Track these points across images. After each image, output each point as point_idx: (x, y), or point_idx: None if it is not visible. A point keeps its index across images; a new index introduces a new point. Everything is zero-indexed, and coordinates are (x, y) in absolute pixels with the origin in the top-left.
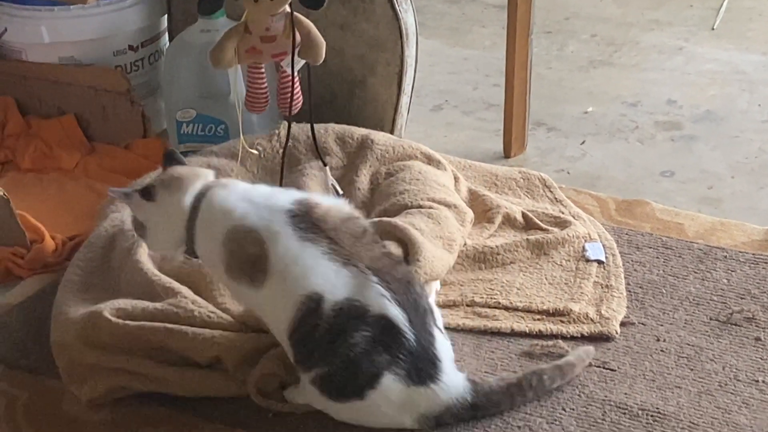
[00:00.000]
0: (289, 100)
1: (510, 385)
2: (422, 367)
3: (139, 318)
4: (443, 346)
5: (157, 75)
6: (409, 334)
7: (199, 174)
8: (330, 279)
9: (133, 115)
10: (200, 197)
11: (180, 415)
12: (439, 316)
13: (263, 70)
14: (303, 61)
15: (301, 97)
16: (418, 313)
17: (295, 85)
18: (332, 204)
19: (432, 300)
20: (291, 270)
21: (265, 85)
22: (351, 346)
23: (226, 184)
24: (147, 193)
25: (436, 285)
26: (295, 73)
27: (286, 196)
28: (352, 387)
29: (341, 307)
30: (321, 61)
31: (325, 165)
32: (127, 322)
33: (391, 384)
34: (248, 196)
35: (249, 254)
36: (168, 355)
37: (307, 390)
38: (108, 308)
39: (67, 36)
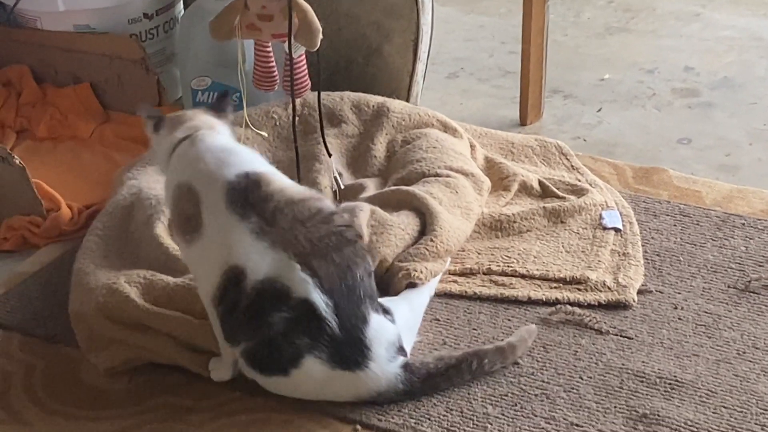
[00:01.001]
0: (287, 79)
1: (449, 367)
2: (347, 354)
3: (161, 295)
4: (379, 333)
5: (172, 43)
6: (331, 320)
7: (197, 122)
8: (253, 257)
9: (148, 83)
10: (176, 146)
11: (198, 384)
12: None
13: (270, 48)
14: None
15: (308, 81)
16: (351, 300)
17: (300, 69)
18: (290, 185)
19: (437, 278)
20: (217, 239)
21: (273, 63)
22: (269, 326)
23: (197, 138)
24: (157, 124)
25: (446, 264)
26: (295, 57)
27: (237, 168)
28: (275, 364)
29: (262, 286)
30: (315, 48)
31: (330, 155)
32: (151, 306)
33: (313, 365)
34: (204, 157)
35: (186, 211)
36: (187, 341)
37: (239, 360)
38: (129, 285)
39: (82, 4)
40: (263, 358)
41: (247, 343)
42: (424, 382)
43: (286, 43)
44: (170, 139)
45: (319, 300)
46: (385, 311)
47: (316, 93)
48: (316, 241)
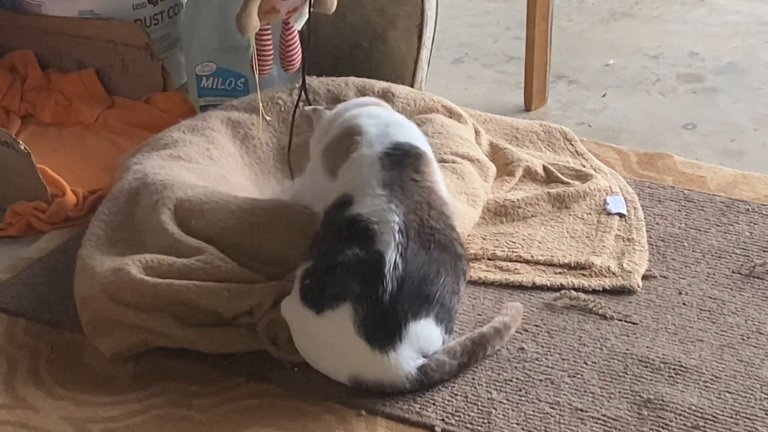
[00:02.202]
0: (295, 55)
1: (461, 364)
2: (380, 330)
3: (166, 274)
4: (419, 336)
5: (176, 28)
6: (389, 284)
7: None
8: (367, 195)
9: (152, 69)
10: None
11: (202, 370)
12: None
13: (270, 32)
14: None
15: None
16: (419, 286)
17: (295, 42)
18: (443, 184)
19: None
20: (350, 171)
21: (271, 48)
22: (338, 254)
23: (369, 113)
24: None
25: None
26: (296, 27)
27: (412, 139)
28: (319, 293)
29: (357, 218)
30: (333, 11)
31: None
32: (155, 279)
33: (346, 317)
34: (390, 119)
35: (338, 153)
36: (192, 317)
37: (288, 300)
38: (135, 265)
39: None
40: (315, 281)
41: (314, 260)
42: (434, 383)
43: (292, 16)
44: (344, 106)
45: (391, 259)
46: (447, 330)
47: (320, 78)
48: (427, 227)
